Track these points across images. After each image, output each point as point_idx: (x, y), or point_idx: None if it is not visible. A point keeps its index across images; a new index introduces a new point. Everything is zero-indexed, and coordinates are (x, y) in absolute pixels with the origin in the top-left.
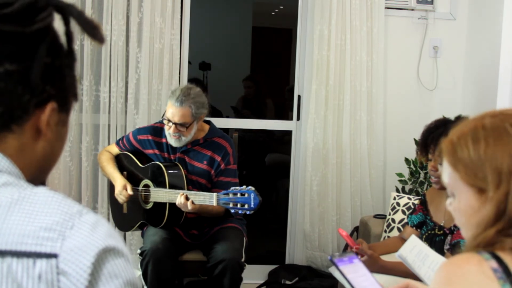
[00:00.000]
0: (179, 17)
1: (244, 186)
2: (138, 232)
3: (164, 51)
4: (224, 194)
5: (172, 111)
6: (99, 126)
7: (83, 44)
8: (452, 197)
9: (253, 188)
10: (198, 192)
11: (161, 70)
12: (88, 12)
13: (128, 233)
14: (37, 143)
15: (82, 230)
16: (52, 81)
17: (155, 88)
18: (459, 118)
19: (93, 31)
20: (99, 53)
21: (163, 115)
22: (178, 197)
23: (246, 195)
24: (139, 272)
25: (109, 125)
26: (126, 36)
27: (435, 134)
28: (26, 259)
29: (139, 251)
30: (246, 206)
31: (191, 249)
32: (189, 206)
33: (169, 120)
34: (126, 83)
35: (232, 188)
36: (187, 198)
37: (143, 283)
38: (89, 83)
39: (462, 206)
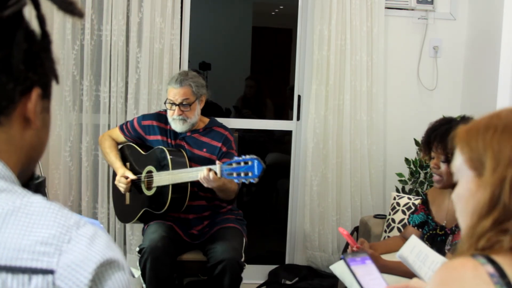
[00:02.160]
0: (179, 17)
1: (247, 155)
2: (139, 232)
3: (164, 51)
4: (228, 164)
5: (173, 93)
6: (99, 126)
7: (83, 44)
8: (458, 185)
9: (255, 156)
10: (202, 167)
11: (161, 70)
12: (88, 12)
13: (128, 233)
14: (26, 133)
15: (80, 244)
16: (33, 66)
17: (155, 88)
18: (463, 118)
19: (70, 7)
20: (99, 53)
21: (165, 102)
22: (202, 171)
23: (249, 163)
24: (138, 272)
25: (109, 125)
26: (126, 36)
27: (438, 131)
28: (22, 275)
29: (137, 248)
30: (250, 174)
31: (191, 249)
32: (212, 176)
33: (171, 104)
34: (126, 83)
35: (235, 157)
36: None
37: (142, 281)
38: (89, 83)
39: (461, 191)
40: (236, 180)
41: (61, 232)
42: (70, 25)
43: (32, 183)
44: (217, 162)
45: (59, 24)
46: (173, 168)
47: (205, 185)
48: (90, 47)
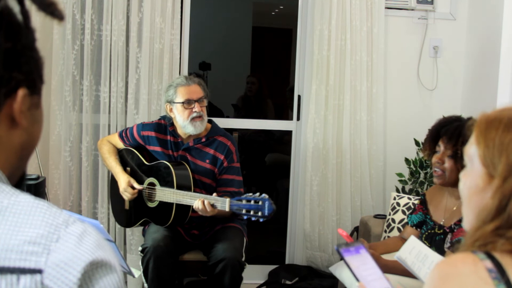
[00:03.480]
0: (179, 17)
1: (258, 194)
2: (139, 232)
3: (164, 51)
4: (237, 200)
5: (189, 90)
6: (99, 126)
7: (83, 44)
8: (466, 170)
9: (267, 196)
10: (210, 196)
11: (161, 70)
12: (88, 12)
13: (128, 233)
14: (13, 132)
15: (68, 243)
16: (18, 66)
17: (155, 88)
18: (469, 119)
19: (50, 8)
20: (99, 53)
21: (166, 115)
22: (197, 202)
23: (260, 202)
24: (139, 272)
25: (109, 125)
26: (126, 36)
27: (450, 126)
28: (10, 275)
29: (140, 248)
30: (259, 214)
31: (192, 249)
32: (208, 208)
33: (189, 102)
34: (126, 83)
35: (246, 194)
36: (203, 203)
37: (144, 281)
38: (89, 83)
39: (468, 181)
40: (244, 217)
41: (49, 231)
42: (70, 25)
43: (25, 182)
44: (227, 198)
45: (59, 24)
46: (177, 188)
47: (201, 213)
48: (90, 47)
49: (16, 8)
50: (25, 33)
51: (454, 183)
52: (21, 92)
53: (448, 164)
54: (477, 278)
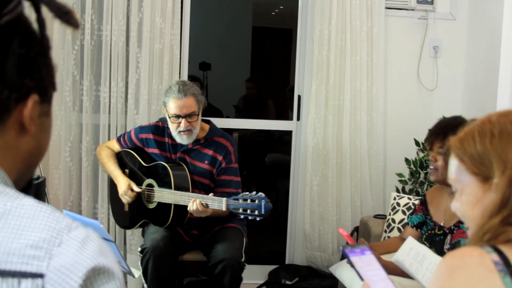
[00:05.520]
0: (179, 17)
1: (254, 192)
2: (138, 232)
3: (164, 51)
4: (234, 199)
5: (178, 105)
6: (99, 126)
7: (83, 44)
8: (457, 194)
9: (263, 195)
10: (206, 196)
11: (161, 70)
12: (88, 12)
13: (128, 234)
14: (22, 139)
15: (70, 248)
16: (30, 72)
17: (155, 88)
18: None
19: (66, 16)
20: (99, 53)
21: (164, 116)
22: (191, 203)
23: (256, 201)
24: (139, 272)
25: (109, 125)
26: (126, 36)
27: (450, 124)
28: (11, 279)
29: (139, 248)
30: (256, 212)
31: (192, 249)
32: (200, 208)
33: (177, 116)
34: (126, 83)
35: (242, 193)
36: (196, 203)
37: (143, 281)
38: (89, 83)
39: (465, 198)
40: (241, 216)
41: (52, 236)
42: None
43: (31, 189)
44: (224, 197)
45: (59, 24)
46: (175, 189)
47: (195, 215)
48: (90, 47)
49: (32, 15)
50: (40, 41)
51: (447, 180)
52: (32, 99)
53: (440, 161)
54: (483, 270)
